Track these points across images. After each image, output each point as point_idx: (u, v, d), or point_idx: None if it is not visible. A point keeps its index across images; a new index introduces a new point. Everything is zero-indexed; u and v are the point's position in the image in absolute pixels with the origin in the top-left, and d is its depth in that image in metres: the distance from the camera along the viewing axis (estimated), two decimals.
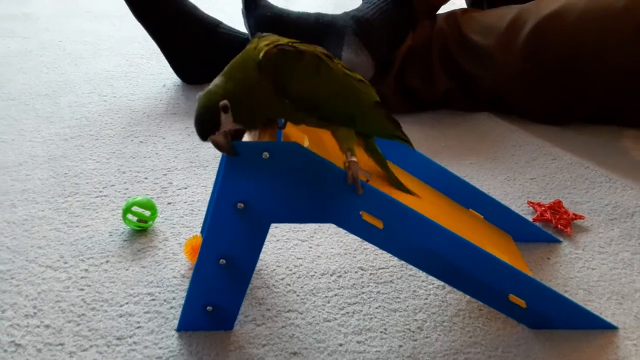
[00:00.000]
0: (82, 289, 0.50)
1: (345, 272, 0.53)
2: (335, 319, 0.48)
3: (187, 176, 0.68)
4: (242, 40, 0.93)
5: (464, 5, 1.03)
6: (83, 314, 0.47)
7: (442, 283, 0.51)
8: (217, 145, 0.39)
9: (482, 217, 0.57)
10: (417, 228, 0.43)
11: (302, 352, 0.44)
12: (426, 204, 0.49)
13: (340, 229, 0.57)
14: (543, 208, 0.62)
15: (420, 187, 0.53)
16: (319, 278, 0.52)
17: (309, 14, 0.86)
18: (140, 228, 0.58)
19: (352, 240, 0.57)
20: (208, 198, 0.63)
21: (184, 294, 0.49)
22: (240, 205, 0.41)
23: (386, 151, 0.49)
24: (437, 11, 0.90)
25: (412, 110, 0.87)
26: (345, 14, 0.86)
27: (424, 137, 0.80)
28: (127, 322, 0.47)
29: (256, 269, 0.52)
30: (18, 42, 1.13)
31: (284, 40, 0.41)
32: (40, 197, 0.63)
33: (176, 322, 0.46)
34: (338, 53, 0.81)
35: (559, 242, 0.58)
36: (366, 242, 0.54)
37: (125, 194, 0.65)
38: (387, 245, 0.44)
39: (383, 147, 0.48)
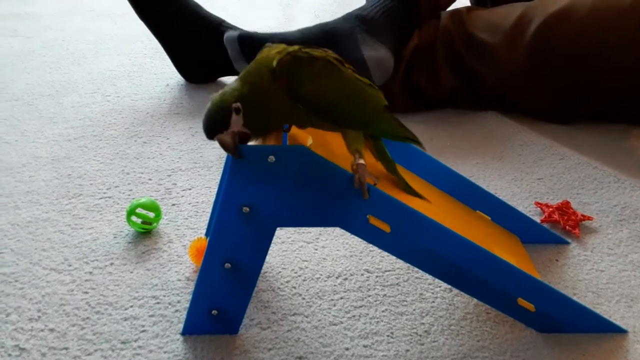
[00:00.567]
0: (87, 292, 0.50)
1: (351, 275, 0.52)
2: (342, 322, 0.47)
3: (191, 177, 0.68)
4: None
5: (468, 4, 1.02)
6: (87, 318, 0.47)
7: (449, 286, 0.50)
8: (224, 145, 0.39)
9: (489, 218, 0.56)
10: (425, 231, 0.43)
11: (308, 357, 0.44)
12: (433, 206, 0.48)
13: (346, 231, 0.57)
14: (551, 209, 0.61)
15: (426, 189, 0.52)
16: (325, 281, 0.52)
17: (310, 28, 0.85)
18: (145, 230, 0.57)
19: (357, 242, 0.57)
20: (212, 199, 0.63)
21: (189, 297, 0.49)
22: (246, 209, 0.41)
23: (392, 153, 0.48)
24: (443, 10, 0.89)
25: (419, 109, 0.87)
26: (349, 14, 0.86)
27: (429, 136, 0.79)
28: (132, 326, 0.46)
29: (261, 271, 0.52)
30: (21, 42, 1.13)
31: (295, 47, 0.41)
32: (44, 199, 0.63)
33: (181, 325, 0.46)
34: (358, 54, 0.80)
35: (567, 243, 0.57)
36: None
37: (129, 195, 0.64)
38: (394, 248, 0.43)
39: (389, 148, 0.48)
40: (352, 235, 0.57)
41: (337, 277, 0.52)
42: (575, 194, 0.66)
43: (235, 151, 0.39)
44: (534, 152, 0.75)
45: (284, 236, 0.57)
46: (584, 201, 0.64)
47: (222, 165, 0.68)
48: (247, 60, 0.85)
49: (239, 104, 0.39)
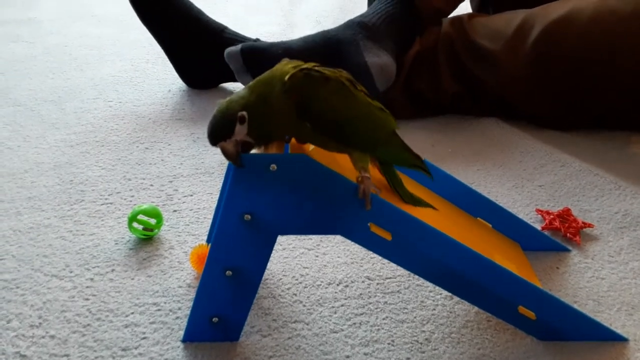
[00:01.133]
0: (88, 299, 0.50)
1: (352, 282, 0.52)
2: (342, 330, 0.47)
3: (192, 183, 0.68)
4: None
5: (470, 10, 1.03)
6: (88, 324, 0.47)
7: (450, 294, 0.50)
8: (225, 153, 0.39)
9: (490, 225, 0.56)
10: (426, 240, 0.43)
11: None
12: (434, 214, 0.48)
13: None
14: (552, 216, 0.61)
15: (427, 196, 0.52)
16: (326, 288, 0.52)
17: (313, 35, 0.85)
18: (146, 236, 0.57)
19: (358, 249, 0.57)
20: (214, 205, 0.63)
21: (190, 304, 0.49)
22: (247, 216, 0.41)
23: None
24: (445, 17, 0.90)
25: (420, 115, 0.87)
26: (351, 21, 0.86)
27: (431, 142, 0.80)
28: (133, 333, 0.46)
29: (262, 278, 0.52)
30: (23, 47, 1.13)
31: (310, 64, 0.41)
32: (46, 205, 0.63)
33: (182, 332, 0.46)
34: (361, 60, 0.80)
35: (568, 251, 0.57)
36: None
37: (130, 201, 0.64)
38: (395, 257, 0.43)
39: None
40: (353, 243, 0.57)
41: (338, 284, 0.52)
42: (576, 201, 0.66)
43: (237, 160, 0.39)
44: (535, 159, 0.75)
45: (284, 243, 0.57)
46: (584, 208, 0.65)
47: (224, 172, 0.68)
48: (251, 72, 0.85)
49: (244, 113, 0.39)
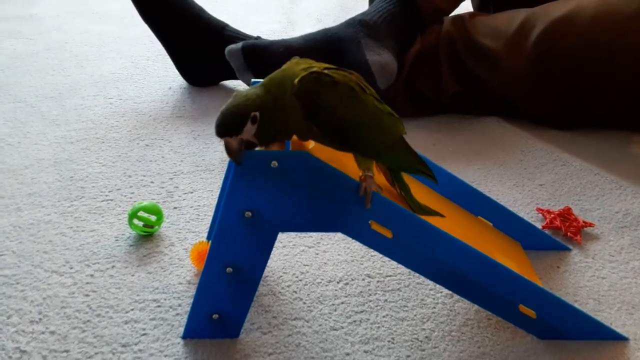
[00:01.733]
0: (88, 295, 0.50)
1: (352, 280, 0.52)
2: (342, 327, 0.47)
3: (193, 180, 0.68)
4: None
5: (471, 9, 1.03)
6: (88, 320, 0.47)
7: (451, 292, 0.50)
8: (228, 149, 0.39)
9: (491, 224, 0.56)
10: (426, 237, 0.43)
11: None
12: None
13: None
14: (552, 215, 0.61)
15: (428, 195, 0.52)
16: (326, 285, 0.52)
17: (314, 34, 0.85)
18: (146, 233, 0.57)
19: (359, 247, 0.57)
20: (214, 203, 0.63)
21: (190, 300, 0.49)
22: (248, 213, 0.41)
23: None
24: (446, 15, 0.89)
25: (421, 115, 0.87)
26: (352, 19, 0.86)
27: (431, 141, 0.80)
28: (133, 329, 0.46)
29: (262, 275, 0.52)
30: (24, 44, 1.13)
31: (321, 66, 0.41)
32: (46, 201, 0.63)
33: (182, 329, 0.46)
34: (362, 59, 0.80)
35: (569, 250, 0.57)
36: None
37: (131, 198, 0.64)
38: (395, 254, 0.43)
39: None
40: (354, 240, 0.57)
41: (338, 282, 0.52)
42: (577, 200, 0.66)
43: (238, 158, 0.39)
44: (535, 158, 0.75)
45: (285, 240, 0.57)
46: (585, 208, 0.64)
47: (224, 169, 0.68)
48: (251, 70, 0.85)
49: (257, 114, 0.38)
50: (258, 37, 0.91)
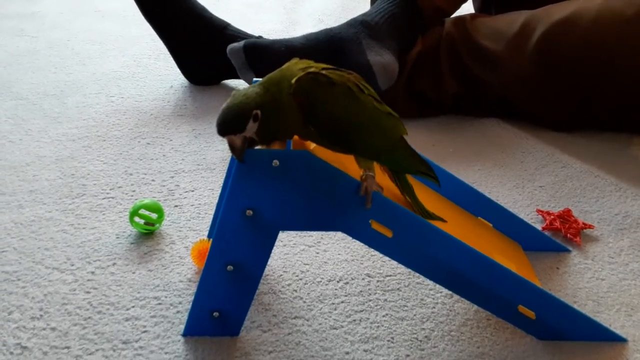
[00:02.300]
0: (89, 292, 0.50)
1: (352, 279, 0.53)
2: (342, 326, 0.47)
3: (194, 179, 0.68)
4: None
5: (472, 11, 1.03)
6: (89, 317, 0.47)
7: (450, 292, 0.50)
8: (232, 147, 0.39)
9: (490, 225, 0.56)
10: (426, 237, 0.43)
11: None
12: (435, 212, 0.48)
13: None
14: (552, 217, 0.61)
15: (428, 195, 0.52)
16: (326, 284, 0.52)
17: (316, 33, 0.85)
18: (147, 231, 0.58)
19: (359, 246, 0.57)
20: (215, 201, 0.63)
21: (191, 298, 0.49)
22: (249, 212, 0.41)
23: None
24: (447, 16, 0.90)
25: (421, 115, 0.87)
26: (353, 20, 0.86)
27: (432, 142, 0.80)
28: (133, 326, 0.46)
29: (263, 274, 0.52)
30: (27, 41, 1.14)
31: (319, 66, 0.41)
32: (48, 198, 0.63)
33: (182, 327, 0.46)
34: (364, 59, 0.80)
35: (569, 251, 0.58)
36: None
37: (132, 196, 0.64)
38: (395, 254, 0.43)
39: None
40: (354, 240, 0.57)
41: (338, 281, 0.52)
42: (577, 202, 0.66)
43: (241, 155, 0.40)
44: (536, 160, 0.75)
45: (285, 239, 0.58)
46: (585, 209, 0.65)
47: (225, 168, 0.68)
48: (253, 69, 0.85)
49: (259, 112, 0.39)
50: (260, 37, 0.92)
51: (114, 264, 0.53)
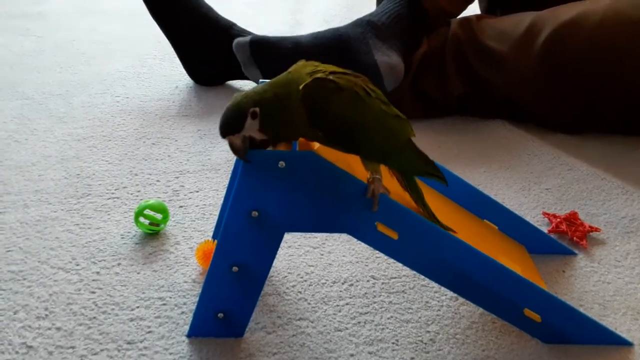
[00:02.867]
0: (94, 292, 0.50)
1: (357, 281, 0.52)
2: (347, 328, 0.47)
3: (198, 179, 0.68)
4: None
5: (478, 12, 1.03)
6: (94, 317, 0.47)
7: (455, 294, 0.50)
8: (232, 147, 0.39)
9: (496, 228, 0.56)
10: (432, 240, 0.43)
11: None
12: (440, 214, 0.48)
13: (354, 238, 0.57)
14: (558, 219, 0.61)
15: (434, 198, 0.52)
16: (331, 286, 0.52)
17: (323, 32, 0.85)
18: (152, 231, 0.58)
19: (363, 248, 0.57)
20: (220, 202, 0.63)
21: (195, 299, 0.49)
22: (255, 213, 0.41)
23: None
24: (453, 18, 0.89)
25: (427, 116, 0.87)
26: (360, 20, 0.86)
27: (437, 143, 0.79)
28: (138, 327, 0.46)
29: (268, 275, 0.52)
30: (32, 41, 1.14)
31: (327, 69, 0.41)
32: (53, 198, 0.63)
33: (187, 327, 0.46)
34: (371, 59, 0.80)
35: (575, 254, 0.57)
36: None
37: (137, 196, 0.65)
38: (401, 256, 0.43)
39: None
40: (358, 241, 0.57)
41: (342, 283, 0.52)
42: (583, 205, 0.66)
43: (243, 155, 0.39)
44: (542, 162, 0.75)
45: (290, 241, 0.57)
46: (591, 212, 0.64)
47: (230, 169, 0.68)
48: (258, 65, 0.85)
49: (257, 109, 0.39)
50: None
51: (119, 264, 0.53)
